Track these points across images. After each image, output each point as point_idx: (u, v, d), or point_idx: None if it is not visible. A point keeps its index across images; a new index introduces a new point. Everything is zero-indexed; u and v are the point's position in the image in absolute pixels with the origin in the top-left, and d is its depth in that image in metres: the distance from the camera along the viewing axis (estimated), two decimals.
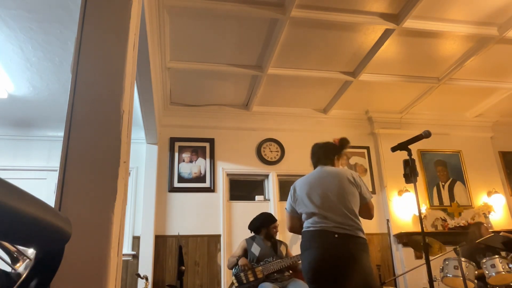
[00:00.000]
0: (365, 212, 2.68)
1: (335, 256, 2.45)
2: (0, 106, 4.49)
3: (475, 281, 3.61)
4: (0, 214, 0.41)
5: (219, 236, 4.93)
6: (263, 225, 4.03)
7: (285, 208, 2.88)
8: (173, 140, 5.26)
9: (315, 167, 2.86)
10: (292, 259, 3.81)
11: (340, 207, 2.54)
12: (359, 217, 2.62)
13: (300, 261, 3.83)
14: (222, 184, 5.16)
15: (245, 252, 3.93)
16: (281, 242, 4.11)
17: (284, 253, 3.97)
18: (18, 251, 0.81)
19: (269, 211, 4.66)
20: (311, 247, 2.53)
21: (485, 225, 4.60)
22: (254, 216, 4.18)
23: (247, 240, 4.03)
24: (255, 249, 3.90)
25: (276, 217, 4.46)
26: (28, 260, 0.68)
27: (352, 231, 2.49)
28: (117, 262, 1.58)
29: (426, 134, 2.41)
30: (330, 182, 2.66)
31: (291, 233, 5.02)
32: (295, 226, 2.77)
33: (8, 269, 0.78)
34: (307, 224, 2.62)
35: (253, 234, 4.09)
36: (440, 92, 5.15)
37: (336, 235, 2.46)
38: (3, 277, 0.74)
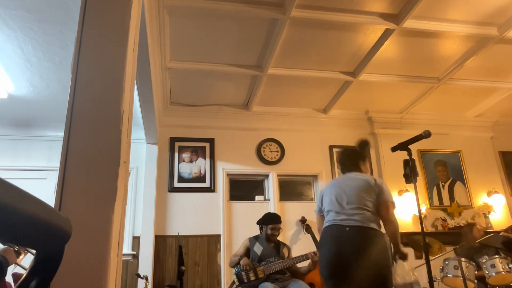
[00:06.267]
0: (384, 210, 2.63)
1: (347, 248, 2.50)
2: (0, 106, 4.49)
3: (475, 281, 3.61)
4: None
5: (219, 236, 4.93)
6: (264, 222, 4.03)
7: (314, 210, 3.08)
8: (173, 140, 5.25)
9: (342, 173, 3.03)
10: (293, 260, 3.81)
11: (352, 200, 2.65)
12: (375, 212, 2.61)
13: (299, 264, 3.86)
14: (222, 184, 5.16)
15: (248, 251, 3.93)
16: (284, 244, 4.10)
17: (286, 255, 3.96)
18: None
19: (269, 211, 4.65)
20: (325, 242, 2.66)
21: (477, 226, 4.62)
22: (254, 216, 4.18)
23: (250, 239, 4.03)
24: (258, 249, 3.90)
25: None
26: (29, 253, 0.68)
27: (363, 222, 2.51)
28: (117, 262, 1.58)
29: (426, 134, 2.41)
30: (349, 182, 2.80)
31: (290, 235, 5.07)
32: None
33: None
34: (325, 222, 2.79)
35: (258, 232, 4.09)
36: (440, 92, 5.15)
37: (347, 228, 2.54)
38: None
